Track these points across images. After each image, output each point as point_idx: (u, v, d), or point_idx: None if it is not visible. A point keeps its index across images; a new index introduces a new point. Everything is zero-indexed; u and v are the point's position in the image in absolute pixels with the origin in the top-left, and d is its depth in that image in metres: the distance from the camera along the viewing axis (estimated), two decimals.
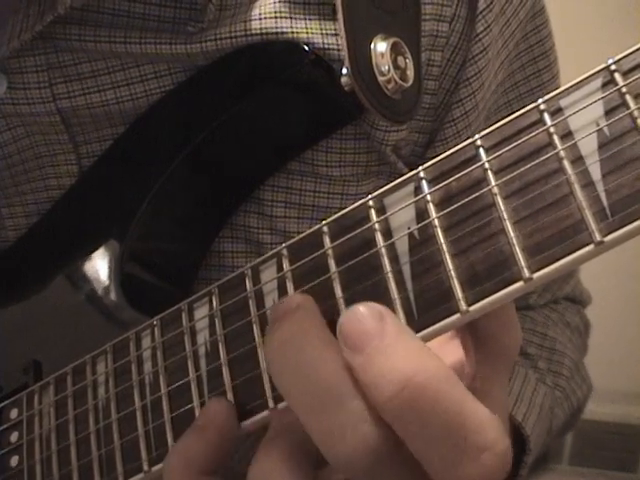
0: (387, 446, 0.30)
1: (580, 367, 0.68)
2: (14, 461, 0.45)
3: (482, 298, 0.31)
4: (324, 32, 0.46)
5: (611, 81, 0.29)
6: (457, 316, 0.31)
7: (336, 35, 0.46)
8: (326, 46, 0.46)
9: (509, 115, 0.32)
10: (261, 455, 0.33)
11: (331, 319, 0.33)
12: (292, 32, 0.45)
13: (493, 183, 0.31)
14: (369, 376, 0.30)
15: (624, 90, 0.29)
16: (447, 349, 0.35)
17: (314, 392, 0.31)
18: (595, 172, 0.29)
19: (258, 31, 0.45)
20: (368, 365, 0.30)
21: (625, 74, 0.29)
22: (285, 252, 0.36)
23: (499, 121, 0.32)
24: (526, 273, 0.30)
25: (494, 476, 0.30)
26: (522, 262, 0.30)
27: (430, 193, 0.33)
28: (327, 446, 0.31)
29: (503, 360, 0.36)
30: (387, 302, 0.33)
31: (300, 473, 0.32)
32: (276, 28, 0.45)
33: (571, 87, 0.30)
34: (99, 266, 0.47)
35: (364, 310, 0.31)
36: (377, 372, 0.30)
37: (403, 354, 0.30)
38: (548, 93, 0.31)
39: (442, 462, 0.30)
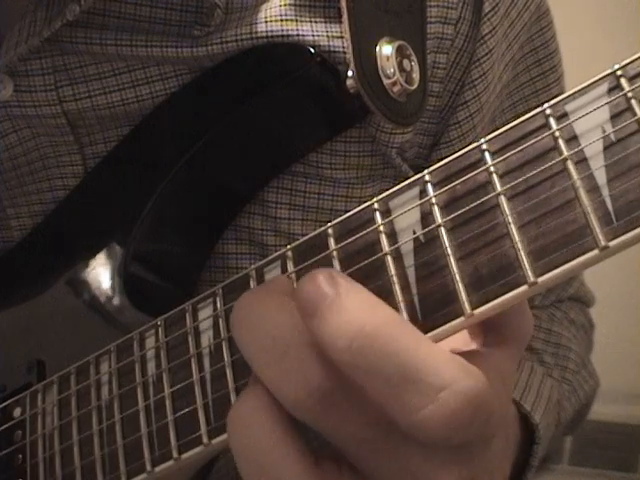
0: (332, 388, 0.31)
1: (586, 362, 0.68)
2: (17, 460, 0.45)
3: (486, 302, 0.31)
4: (330, 35, 0.46)
5: (617, 86, 0.29)
6: (461, 319, 0.31)
7: (342, 37, 0.46)
8: (332, 49, 0.46)
9: (515, 119, 0.32)
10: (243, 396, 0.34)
11: None
12: (298, 35, 0.45)
13: (498, 187, 0.31)
14: (323, 335, 0.30)
15: (630, 95, 0.29)
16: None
17: (261, 344, 0.32)
18: (600, 177, 0.29)
19: (264, 34, 0.45)
20: (322, 325, 0.30)
21: (631, 79, 0.29)
22: (289, 254, 0.36)
23: (505, 125, 0.32)
24: (531, 277, 0.30)
25: (459, 414, 0.29)
26: (527, 266, 0.30)
27: (435, 196, 0.33)
28: (276, 391, 0.31)
29: (513, 344, 0.35)
30: (391, 305, 0.32)
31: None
32: (282, 31, 0.45)
33: (577, 92, 0.30)
34: (103, 267, 0.47)
35: (315, 275, 0.32)
36: (329, 330, 0.30)
37: (352, 308, 0.30)
38: (553, 94, 0.31)
39: (401, 406, 0.29)
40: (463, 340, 0.36)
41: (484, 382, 0.30)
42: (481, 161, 0.32)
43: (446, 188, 0.33)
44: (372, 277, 0.34)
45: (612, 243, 0.28)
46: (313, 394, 0.31)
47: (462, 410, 0.29)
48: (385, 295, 0.33)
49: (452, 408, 0.29)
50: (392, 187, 0.34)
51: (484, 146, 0.32)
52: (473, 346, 0.35)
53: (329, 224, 0.35)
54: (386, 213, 0.34)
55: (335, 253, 0.35)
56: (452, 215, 0.32)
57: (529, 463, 0.52)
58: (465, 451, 0.32)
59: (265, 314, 0.32)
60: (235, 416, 0.33)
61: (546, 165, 0.30)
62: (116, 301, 0.47)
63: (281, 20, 0.46)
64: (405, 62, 0.45)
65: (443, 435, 0.29)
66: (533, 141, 0.31)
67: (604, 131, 0.29)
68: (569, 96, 0.30)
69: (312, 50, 0.45)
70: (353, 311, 0.30)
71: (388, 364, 0.30)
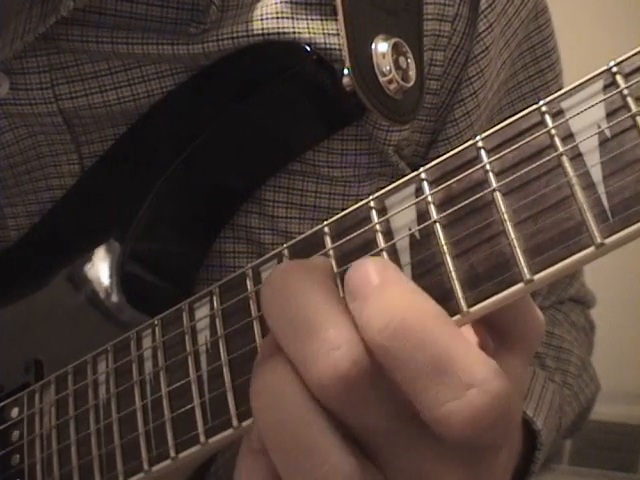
0: (359, 375, 0.30)
1: (587, 365, 0.68)
2: (15, 460, 0.45)
3: (483, 299, 0.31)
4: (326, 32, 0.46)
5: (613, 83, 0.29)
6: (457, 317, 0.31)
7: (338, 35, 0.46)
8: (328, 46, 0.46)
9: (511, 116, 0.32)
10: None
11: None
12: (294, 32, 0.45)
13: (494, 184, 0.31)
14: (361, 316, 0.30)
15: (625, 92, 0.29)
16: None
17: (291, 319, 0.31)
18: (596, 174, 0.29)
19: (260, 31, 0.45)
20: (362, 307, 0.30)
21: (627, 76, 0.29)
22: (286, 252, 0.36)
23: (501, 122, 0.32)
24: (527, 274, 0.30)
25: (484, 415, 0.29)
26: (523, 263, 0.30)
27: (431, 194, 0.33)
28: (302, 372, 0.31)
29: (522, 351, 0.35)
30: None
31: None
32: (278, 28, 0.45)
33: (572, 89, 0.30)
34: (100, 265, 0.47)
35: (365, 261, 0.32)
36: (368, 311, 0.30)
37: (394, 295, 0.30)
38: (551, 93, 0.31)
39: (428, 397, 0.29)
40: None
41: (511, 388, 0.30)
42: (477, 159, 0.32)
43: (442, 186, 0.33)
44: None
45: (608, 240, 0.28)
46: (339, 381, 0.30)
47: (487, 412, 0.29)
48: None
49: (478, 407, 0.29)
50: (389, 185, 0.34)
51: (480, 144, 0.32)
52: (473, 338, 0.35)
53: (325, 222, 0.35)
54: (382, 211, 0.34)
55: (331, 252, 0.35)
56: (448, 213, 0.32)
57: (530, 469, 0.52)
58: (476, 456, 0.32)
59: (300, 289, 0.32)
60: (262, 388, 0.32)
61: (542, 162, 0.30)
62: (113, 300, 0.47)
63: (277, 17, 0.46)
64: (401, 59, 0.45)
65: (464, 434, 0.29)
66: (529, 139, 0.31)
67: (600, 128, 0.29)
68: (565, 93, 0.30)
69: (308, 48, 0.45)
70: (394, 298, 0.30)
71: (421, 353, 0.29)
